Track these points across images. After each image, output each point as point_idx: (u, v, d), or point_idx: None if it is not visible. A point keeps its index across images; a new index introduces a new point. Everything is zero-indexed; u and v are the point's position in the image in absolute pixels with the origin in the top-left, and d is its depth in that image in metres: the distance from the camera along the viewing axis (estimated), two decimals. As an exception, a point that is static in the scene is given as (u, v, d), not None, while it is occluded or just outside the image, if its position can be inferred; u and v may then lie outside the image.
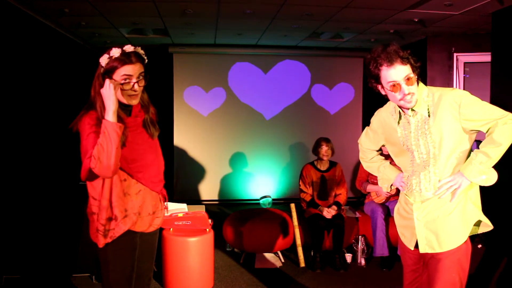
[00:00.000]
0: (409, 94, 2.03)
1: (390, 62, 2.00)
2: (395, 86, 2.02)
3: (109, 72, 2.00)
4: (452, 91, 2.06)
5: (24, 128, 4.50)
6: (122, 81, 2.02)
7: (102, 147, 1.88)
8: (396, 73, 2.01)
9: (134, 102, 2.10)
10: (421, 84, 2.12)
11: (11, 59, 4.24)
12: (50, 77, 5.20)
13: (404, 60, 2.01)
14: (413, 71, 2.03)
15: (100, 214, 2.06)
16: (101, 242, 2.08)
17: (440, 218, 2.10)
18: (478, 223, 2.17)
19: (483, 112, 2.01)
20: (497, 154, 2.00)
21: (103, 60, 2.01)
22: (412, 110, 2.12)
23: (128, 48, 2.04)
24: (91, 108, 2.04)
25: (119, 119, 2.00)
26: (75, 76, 5.99)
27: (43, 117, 4.95)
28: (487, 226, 2.17)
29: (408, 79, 2.01)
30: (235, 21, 5.24)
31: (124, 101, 2.08)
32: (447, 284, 2.07)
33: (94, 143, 1.93)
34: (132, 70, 2.02)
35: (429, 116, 2.09)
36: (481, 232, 2.19)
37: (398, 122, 2.21)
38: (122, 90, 2.03)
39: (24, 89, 4.53)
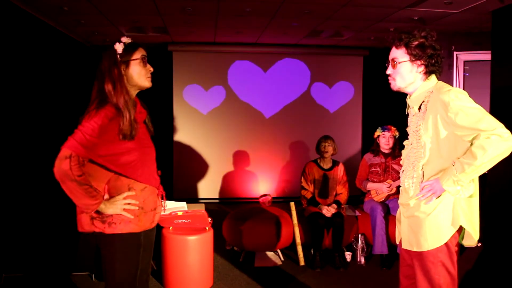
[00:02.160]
0: (389, 75, 2.14)
1: (390, 43, 2.14)
2: (387, 65, 2.16)
3: (129, 55, 2.13)
4: (446, 92, 1.98)
5: (24, 127, 4.49)
6: (143, 58, 2.16)
7: (71, 192, 1.97)
8: (390, 53, 2.14)
9: (150, 83, 2.23)
10: (431, 79, 2.10)
11: (10, 58, 4.23)
12: (50, 76, 5.19)
13: (399, 45, 2.09)
14: (410, 59, 2.06)
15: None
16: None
17: (420, 218, 2.08)
18: (463, 233, 2.10)
19: (468, 120, 1.90)
20: (472, 169, 1.89)
21: (119, 47, 2.12)
22: (410, 100, 2.16)
23: (129, 38, 2.20)
24: (106, 103, 2.05)
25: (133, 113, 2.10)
26: (75, 74, 5.98)
27: (42, 115, 4.94)
28: (471, 240, 2.08)
29: (393, 60, 2.10)
30: (234, 19, 5.23)
31: (145, 83, 2.19)
32: (429, 284, 2.04)
33: (92, 133, 1.96)
34: (145, 51, 2.20)
35: (419, 110, 2.09)
36: (467, 245, 2.11)
37: (407, 112, 2.23)
38: (142, 70, 2.17)
39: (23, 87, 4.52)
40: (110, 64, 2.09)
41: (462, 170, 1.91)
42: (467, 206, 2.05)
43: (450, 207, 2.03)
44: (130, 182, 2.13)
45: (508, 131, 1.88)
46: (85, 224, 2.13)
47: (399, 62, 2.08)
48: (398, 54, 2.08)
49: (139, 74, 2.15)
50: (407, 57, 2.06)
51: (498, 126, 1.87)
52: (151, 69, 2.21)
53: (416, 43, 2.04)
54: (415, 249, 2.10)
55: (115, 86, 2.06)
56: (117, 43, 2.13)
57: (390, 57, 2.12)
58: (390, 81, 2.14)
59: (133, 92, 2.20)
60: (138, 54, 2.16)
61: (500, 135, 1.85)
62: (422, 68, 2.07)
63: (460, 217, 2.02)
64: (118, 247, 2.11)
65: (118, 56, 2.11)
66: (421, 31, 2.05)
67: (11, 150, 4.19)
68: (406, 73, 2.08)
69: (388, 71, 2.14)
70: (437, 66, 2.08)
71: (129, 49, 2.14)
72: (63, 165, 1.92)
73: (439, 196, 2.02)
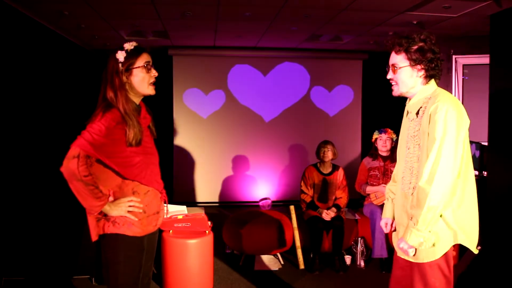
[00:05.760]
0: (390, 80, 2.14)
1: (390, 47, 2.13)
2: (387, 69, 2.15)
3: (131, 63, 2.13)
4: (439, 102, 1.97)
5: (24, 129, 4.50)
6: (146, 65, 2.16)
7: (78, 192, 2.00)
8: (390, 58, 2.13)
9: (153, 91, 2.23)
10: (431, 84, 2.09)
11: (10, 61, 4.24)
12: (50, 79, 5.20)
13: (399, 50, 2.08)
14: (411, 64, 2.05)
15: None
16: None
17: None
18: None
19: (433, 140, 1.94)
20: (425, 219, 1.92)
21: (121, 55, 2.12)
22: (409, 105, 2.17)
23: (133, 43, 2.20)
24: (111, 107, 2.09)
25: (136, 120, 2.11)
26: (75, 78, 5.99)
27: (43, 119, 4.95)
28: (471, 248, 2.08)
29: (393, 66, 2.10)
30: (234, 24, 5.25)
31: (147, 91, 2.20)
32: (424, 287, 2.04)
33: (100, 133, 2.00)
34: (149, 57, 2.21)
35: (417, 115, 2.09)
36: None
37: (405, 116, 2.23)
38: (146, 76, 2.16)
39: (23, 91, 4.53)
40: (112, 72, 2.12)
41: (416, 222, 1.94)
42: (454, 220, 2.02)
43: (450, 221, 2.01)
44: (135, 185, 2.16)
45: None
46: (93, 230, 2.15)
47: (399, 68, 2.07)
48: (398, 59, 2.07)
49: (141, 81, 2.16)
50: (407, 62, 2.05)
51: (437, 173, 1.90)
52: (156, 74, 2.22)
53: (415, 47, 2.02)
54: (411, 260, 2.08)
55: (116, 95, 2.10)
56: (119, 51, 2.13)
57: (390, 62, 2.12)
58: (392, 87, 2.14)
59: (137, 99, 2.23)
60: (142, 61, 2.16)
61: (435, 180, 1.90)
62: (422, 72, 2.05)
63: (458, 234, 2.02)
64: (121, 250, 2.13)
65: (120, 64, 2.12)
66: (420, 35, 2.04)
67: (12, 154, 4.20)
68: (406, 78, 2.07)
69: (389, 76, 2.14)
70: (437, 69, 2.07)
71: (132, 56, 2.14)
72: (71, 164, 1.97)
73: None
